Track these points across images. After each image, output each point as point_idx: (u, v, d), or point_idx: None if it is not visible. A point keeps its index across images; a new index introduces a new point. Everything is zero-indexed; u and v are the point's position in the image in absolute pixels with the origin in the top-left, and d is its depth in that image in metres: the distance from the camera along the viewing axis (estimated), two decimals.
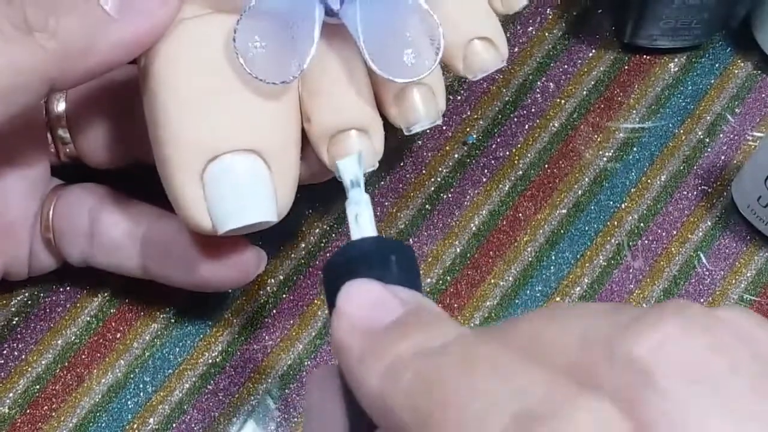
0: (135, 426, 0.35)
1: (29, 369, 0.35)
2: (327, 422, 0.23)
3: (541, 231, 0.38)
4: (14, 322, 0.36)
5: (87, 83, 0.33)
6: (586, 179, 0.39)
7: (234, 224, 0.28)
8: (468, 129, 0.40)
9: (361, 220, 0.25)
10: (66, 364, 0.36)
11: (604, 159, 0.40)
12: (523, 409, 0.17)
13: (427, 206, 0.39)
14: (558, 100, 0.41)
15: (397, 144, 0.39)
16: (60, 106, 0.34)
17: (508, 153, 0.40)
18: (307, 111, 0.29)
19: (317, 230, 0.38)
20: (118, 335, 0.36)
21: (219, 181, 0.28)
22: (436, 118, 0.30)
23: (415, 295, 0.22)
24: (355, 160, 0.26)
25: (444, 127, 0.40)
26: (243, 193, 0.28)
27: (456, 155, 0.40)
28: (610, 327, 0.19)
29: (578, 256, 0.38)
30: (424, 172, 0.39)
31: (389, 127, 0.30)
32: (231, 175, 0.28)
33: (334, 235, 0.38)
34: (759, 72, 0.41)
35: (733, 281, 0.38)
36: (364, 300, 0.22)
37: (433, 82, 0.29)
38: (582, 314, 0.20)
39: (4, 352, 0.36)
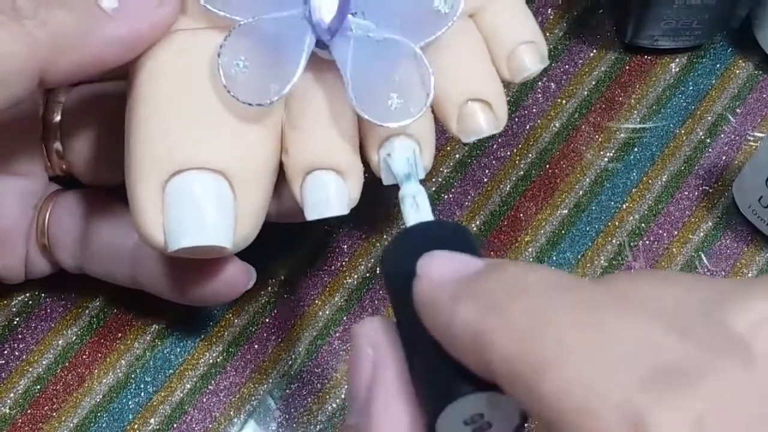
0: (136, 426, 0.35)
1: (30, 369, 0.35)
2: (388, 374, 0.21)
3: (542, 231, 0.38)
4: (15, 322, 0.36)
5: (81, 95, 0.33)
6: (587, 179, 0.39)
7: (186, 243, 0.26)
8: None
9: (422, 207, 0.25)
10: (67, 364, 0.36)
11: (605, 159, 0.40)
12: (662, 364, 0.16)
13: None
14: (559, 100, 0.41)
15: None
16: (57, 118, 0.33)
17: (509, 153, 0.40)
18: (286, 143, 0.28)
19: (319, 230, 0.38)
20: (119, 335, 0.36)
21: (179, 197, 0.26)
22: (420, 174, 0.28)
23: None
24: (403, 159, 0.26)
25: None
26: (201, 214, 0.26)
27: (457, 155, 0.40)
28: (712, 293, 0.18)
29: (579, 257, 0.38)
30: None
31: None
32: (191, 192, 0.26)
33: (335, 235, 0.38)
34: (760, 72, 0.41)
35: None
36: (447, 264, 0.21)
37: (423, 135, 0.28)
38: (680, 279, 0.19)
39: (5, 352, 0.36)
